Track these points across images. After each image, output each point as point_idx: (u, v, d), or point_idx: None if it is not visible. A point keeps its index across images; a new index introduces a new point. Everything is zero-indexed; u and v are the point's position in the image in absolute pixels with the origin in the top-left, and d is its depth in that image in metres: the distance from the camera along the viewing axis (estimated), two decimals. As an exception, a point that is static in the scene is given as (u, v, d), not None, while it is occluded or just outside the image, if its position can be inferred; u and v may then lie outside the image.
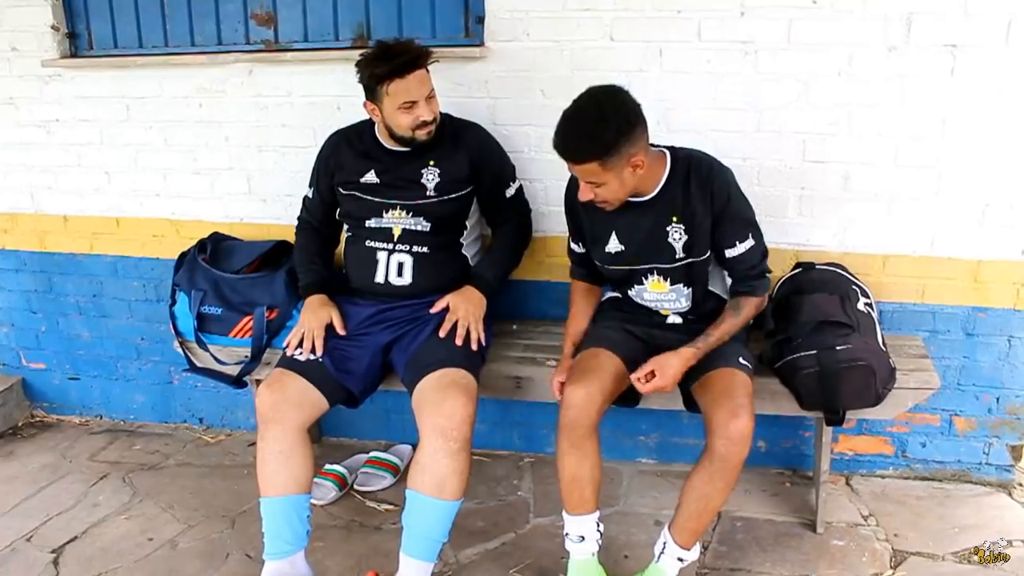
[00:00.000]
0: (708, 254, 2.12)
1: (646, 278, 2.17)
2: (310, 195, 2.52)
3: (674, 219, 2.08)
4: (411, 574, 2.08)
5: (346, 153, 2.41)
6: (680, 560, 2.05)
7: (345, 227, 2.50)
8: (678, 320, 2.22)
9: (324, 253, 2.53)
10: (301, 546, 2.13)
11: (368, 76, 2.21)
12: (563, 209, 2.27)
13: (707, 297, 2.19)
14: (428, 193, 2.34)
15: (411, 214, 2.34)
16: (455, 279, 2.40)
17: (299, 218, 2.57)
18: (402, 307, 2.36)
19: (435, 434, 2.05)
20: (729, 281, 2.19)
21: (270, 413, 2.12)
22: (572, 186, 2.17)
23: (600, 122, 1.88)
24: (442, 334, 2.26)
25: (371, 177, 2.37)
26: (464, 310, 2.30)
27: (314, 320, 2.29)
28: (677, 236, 2.09)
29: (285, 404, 2.13)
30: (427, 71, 2.25)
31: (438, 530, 2.09)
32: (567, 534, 2.13)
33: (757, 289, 2.14)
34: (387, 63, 2.18)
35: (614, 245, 2.15)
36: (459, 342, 2.24)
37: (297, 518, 2.12)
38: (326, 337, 2.27)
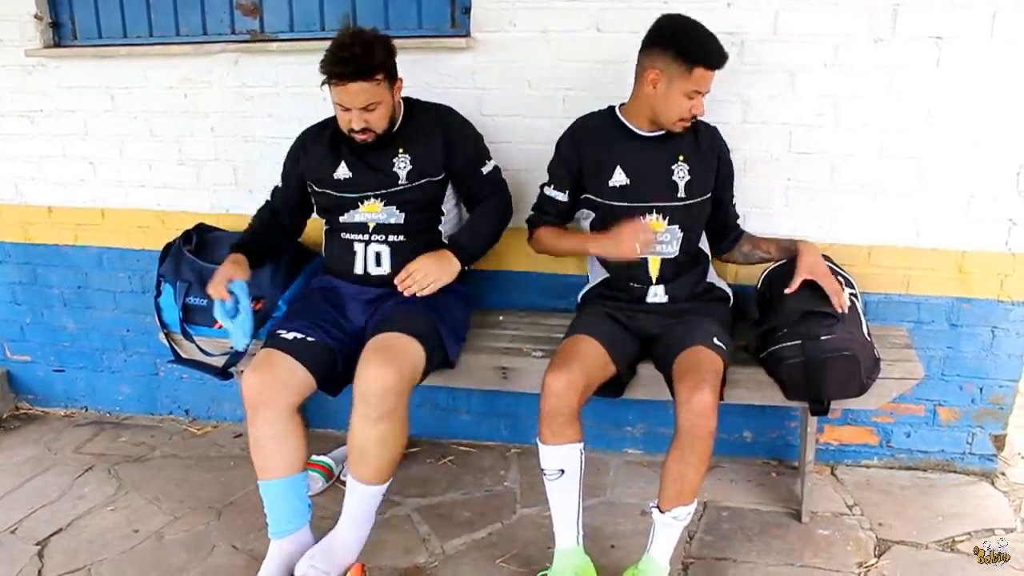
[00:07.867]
0: (708, 196, 2.28)
1: (645, 217, 2.21)
2: (280, 186, 2.50)
3: (680, 158, 2.21)
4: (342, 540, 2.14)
5: (314, 150, 2.39)
6: (675, 519, 2.01)
7: (323, 221, 2.48)
8: (663, 300, 2.26)
9: (269, 236, 2.51)
10: (303, 523, 2.16)
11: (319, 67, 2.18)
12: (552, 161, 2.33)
13: (690, 256, 2.27)
14: (400, 181, 2.32)
15: (385, 203, 2.32)
16: None
17: (266, 201, 2.55)
18: (383, 294, 2.35)
19: (358, 398, 2.04)
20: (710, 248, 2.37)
21: (258, 398, 2.10)
22: (577, 124, 2.30)
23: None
24: (397, 281, 2.24)
25: (343, 171, 2.34)
26: (427, 266, 2.24)
27: (225, 268, 2.32)
28: (681, 175, 2.22)
29: (273, 387, 2.11)
30: (377, 82, 2.16)
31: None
32: (544, 470, 2.08)
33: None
34: (329, 66, 2.14)
35: (619, 178, 2.23)
36: (402, 287, 2.22)
37: (296, 497, 2.14)
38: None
